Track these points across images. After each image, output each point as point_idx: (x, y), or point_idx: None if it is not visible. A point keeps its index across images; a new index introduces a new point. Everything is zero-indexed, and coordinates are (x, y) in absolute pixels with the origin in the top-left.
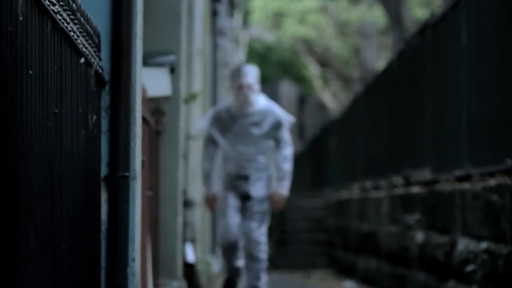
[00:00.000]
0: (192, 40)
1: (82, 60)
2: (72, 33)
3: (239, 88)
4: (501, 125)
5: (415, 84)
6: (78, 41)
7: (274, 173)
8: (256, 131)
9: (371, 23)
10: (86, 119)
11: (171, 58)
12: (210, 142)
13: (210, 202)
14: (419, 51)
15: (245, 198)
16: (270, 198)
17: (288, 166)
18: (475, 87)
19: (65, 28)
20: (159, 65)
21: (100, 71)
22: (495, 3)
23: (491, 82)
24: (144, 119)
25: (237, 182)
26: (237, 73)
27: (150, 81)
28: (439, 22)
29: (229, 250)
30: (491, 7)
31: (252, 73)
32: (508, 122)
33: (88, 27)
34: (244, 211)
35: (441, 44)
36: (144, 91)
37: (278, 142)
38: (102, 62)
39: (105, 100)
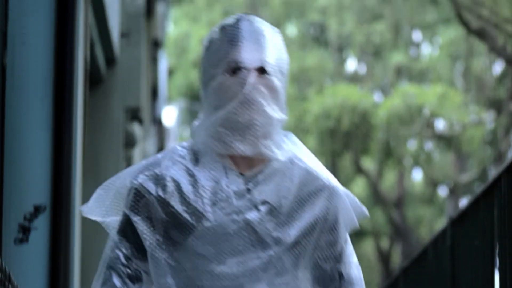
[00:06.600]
0: None
1: None
2: None
3: (232, 75)
4: None
5: None
6: None
7: None
8: (266, 229)
9: None
10: None
11: None
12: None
13: None
14: None
15: None
16: None
17: None
18: None
19: None
20: None
21: None
22: None
23: None
24: None
25: None
26: (223, 40)
27: None
28: None
29: None
30: None
31: (268, 42)
32: None
33: None
34: None
35: None
36: None
37: (330, 277)
38: None
39: None
